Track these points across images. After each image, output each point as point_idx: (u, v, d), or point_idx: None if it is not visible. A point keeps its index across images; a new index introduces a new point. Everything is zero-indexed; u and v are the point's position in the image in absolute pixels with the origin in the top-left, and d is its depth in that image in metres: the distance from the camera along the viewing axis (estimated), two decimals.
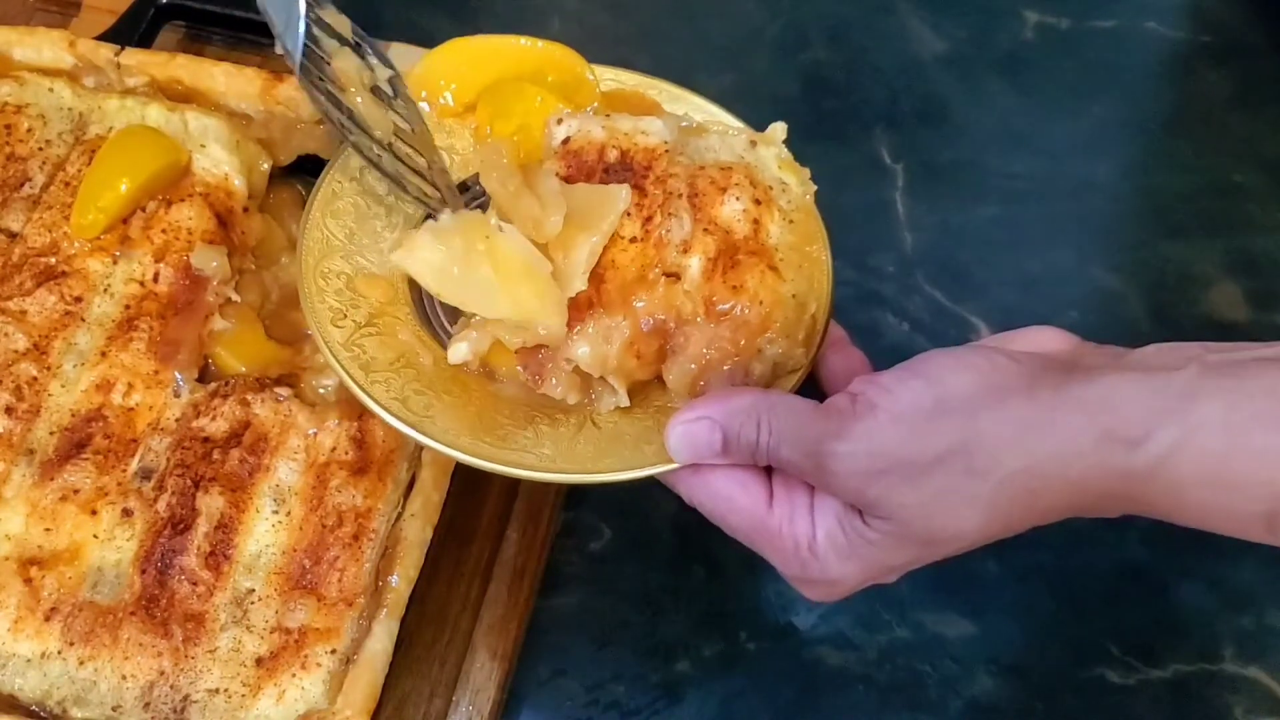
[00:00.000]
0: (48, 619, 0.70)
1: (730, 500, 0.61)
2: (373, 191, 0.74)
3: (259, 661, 0.69)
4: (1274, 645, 0.77)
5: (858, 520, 0.58)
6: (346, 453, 0.73)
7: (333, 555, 0.71)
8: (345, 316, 0.69)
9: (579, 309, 0.65)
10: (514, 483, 0.78)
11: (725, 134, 0.71)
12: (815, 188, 0.70)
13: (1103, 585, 0.78)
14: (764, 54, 1.00)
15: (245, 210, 0.82)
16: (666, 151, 0.68)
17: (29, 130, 0.82)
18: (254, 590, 0.71)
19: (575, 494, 0.81)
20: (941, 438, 0.55)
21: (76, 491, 0.73)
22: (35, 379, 0.75)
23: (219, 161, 0.82)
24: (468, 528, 0.77)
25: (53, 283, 0.78)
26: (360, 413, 0.75)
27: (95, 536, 0.72)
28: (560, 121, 0.69)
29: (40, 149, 0.82)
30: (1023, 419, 0.55)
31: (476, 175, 0.72)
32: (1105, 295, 0.89)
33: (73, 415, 0.75)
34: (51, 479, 0.73)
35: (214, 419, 0.74)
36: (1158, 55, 1.01)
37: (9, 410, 0.74)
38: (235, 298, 0.80)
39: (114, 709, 0.69)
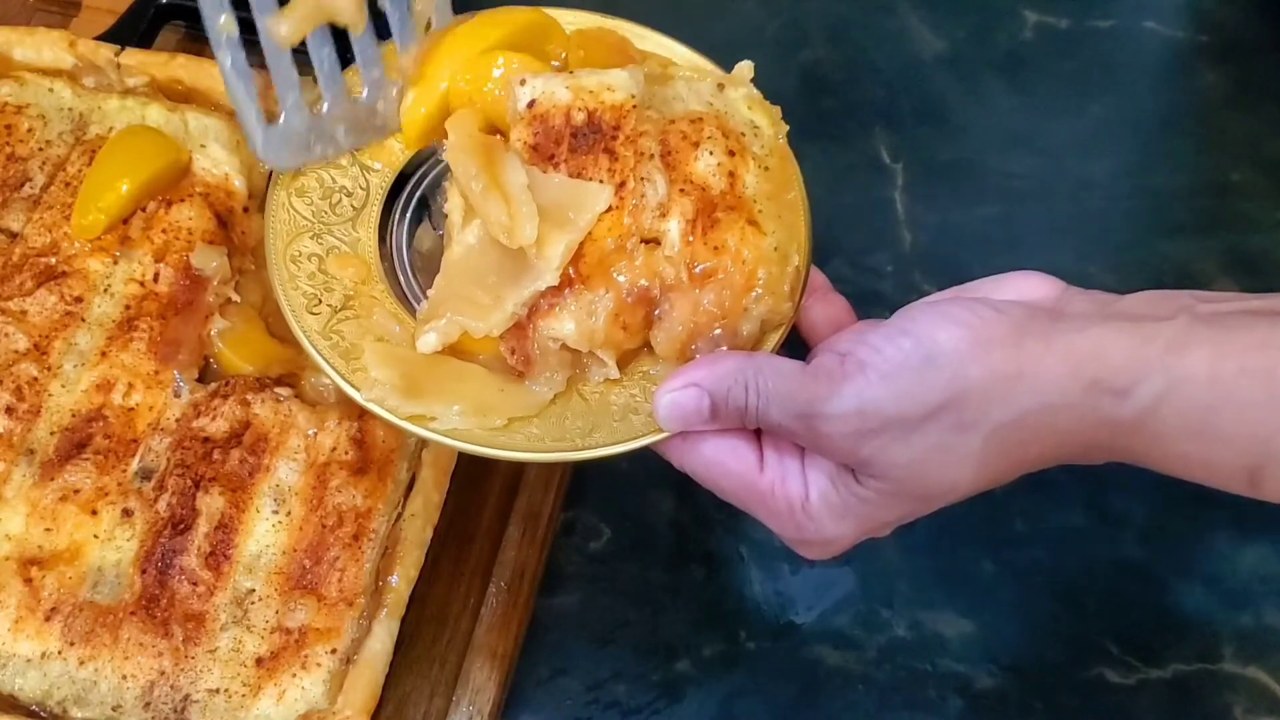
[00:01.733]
0: (48, 619, 0.70)
1: (722, 465, 0.61)
2: (336, 163, 0.71)
3: (259, 661, 0.69)
4: (1273, 645, 0.77)
5: (851, 479, 0.58)
6: (347, 453, 0.73)
7: (333, 555, 0.71)
8: (320, 302, 0.66)
9: (560, 284, 0.63)
10: (514, 482, 0.78)
11: (692, 80, 0.69)
12: (787, 127, 0.68)
13: (1102, 585, 0.79)
14: (763, 53, 1.00)
15: (245, 210, 0.82)
16: (634, 107, 0.65)
17: (29, 130, 0.82)
18: (254, 590, 0.71)
19: (575, 493, 0.81)
20: (931, 394, 0.55)
21: (77, 491, 0.73)
22: (35, 379, 0.75)
23: (219, 161, 0.82)
24: (468, 528, 0.77)
25: (53, 283, 0.78)
26: (360, 412, 0.75)
27: (95, 536, 0.72)
28: (524, 83, 0.66)
29: (40, 149, 0.82)
30: (1011, 371, 0.54)
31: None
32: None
33: (73, 415, 0.75)
34: (52, 479, 0.73)
35: (214, 419, 0.74)
36: (1157, 55, 1.01)
37: (9, 410, 0.74)
38: (235, 298, 0.80)
39: (114, 709, 0.69)
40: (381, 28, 0.69)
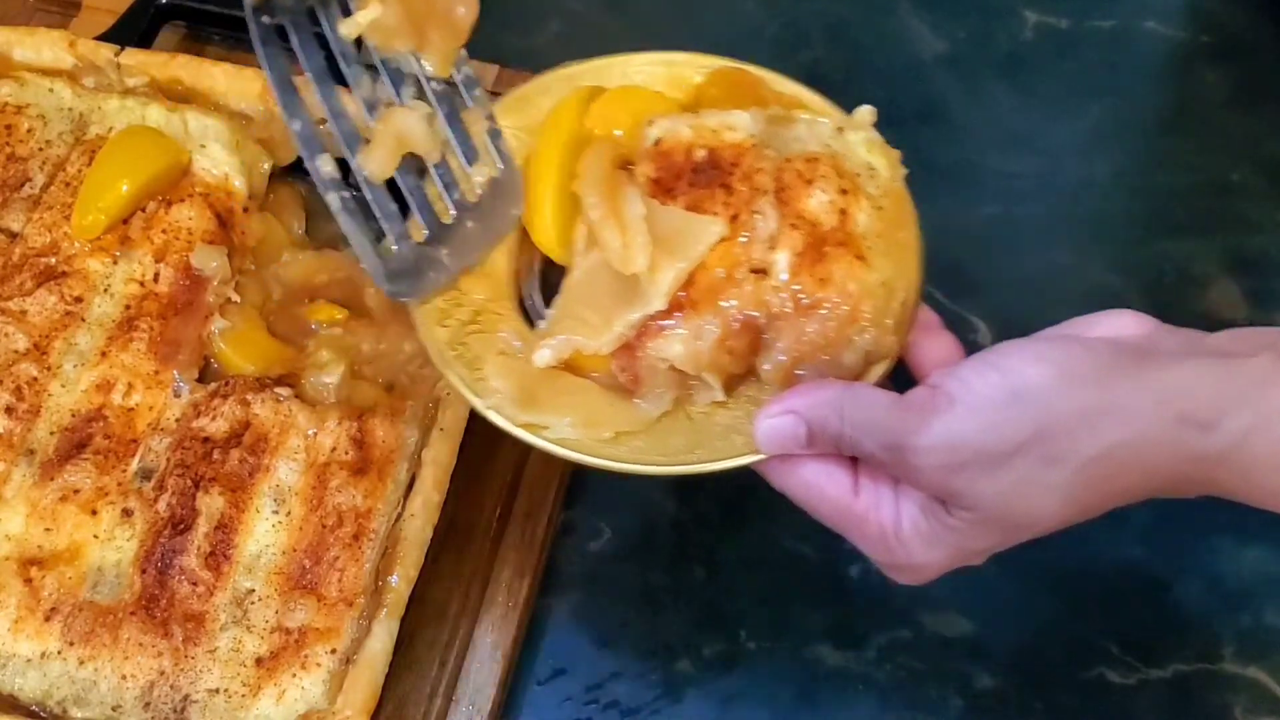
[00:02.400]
0: (48, 619, 0.70)
1: (818, 489, 0.62)
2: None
3: (259, 661, 0.69)
4: (1274, 645, 0.77)
5: (941, 510, 0.59)
6: (346, 453, 0.73)
7: (333, 555, 0.71)
8: (450, 316, 0.69)
9: (671, 308, 0.66)
10: (514, 483, 0.78)
11: (813, 122, 0.71)
12: (906, 171, 0.70)
13: (1103, 585, 0.78)
14: (763, 53, 1.00)
15: (245, 210, 0.82)
16: (753, 146, 0.68)
17: (29, 130, 0.82)
18: (254, 590, 0.71)
19: (575, 493, 0.81)
20: (1018, 428, 0.56)
21: (77, 491, 0.73)
22: (35, 379, 0.75)
23: (219, 162, 0.82)
24: (468, 528, 0.77)
25: (53, 283, 0.78)
26: (360, 413, 0.75)
27: (95, 536, 0.72)
28: (652, 123, 0.70)
29: (40, 149, 0.82)
30: (1098, 407, 0.55)
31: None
32: (1104, 294, 0.89)
33: (73, 415, 0.75)
34: (52, 479, 0.73)
35: (214, 419, 0.74)
36: (1157, 55, 1.01)
37: (9, 410, 0.74)
38: (235, 298, 0.80)
39: (114, 709, 0.69)
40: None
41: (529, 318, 0.70)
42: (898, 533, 0.61)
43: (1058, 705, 0.75)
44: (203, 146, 0.82)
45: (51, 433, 0.74)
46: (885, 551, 0.62)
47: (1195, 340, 0.59)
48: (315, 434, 0.74)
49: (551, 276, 0.71)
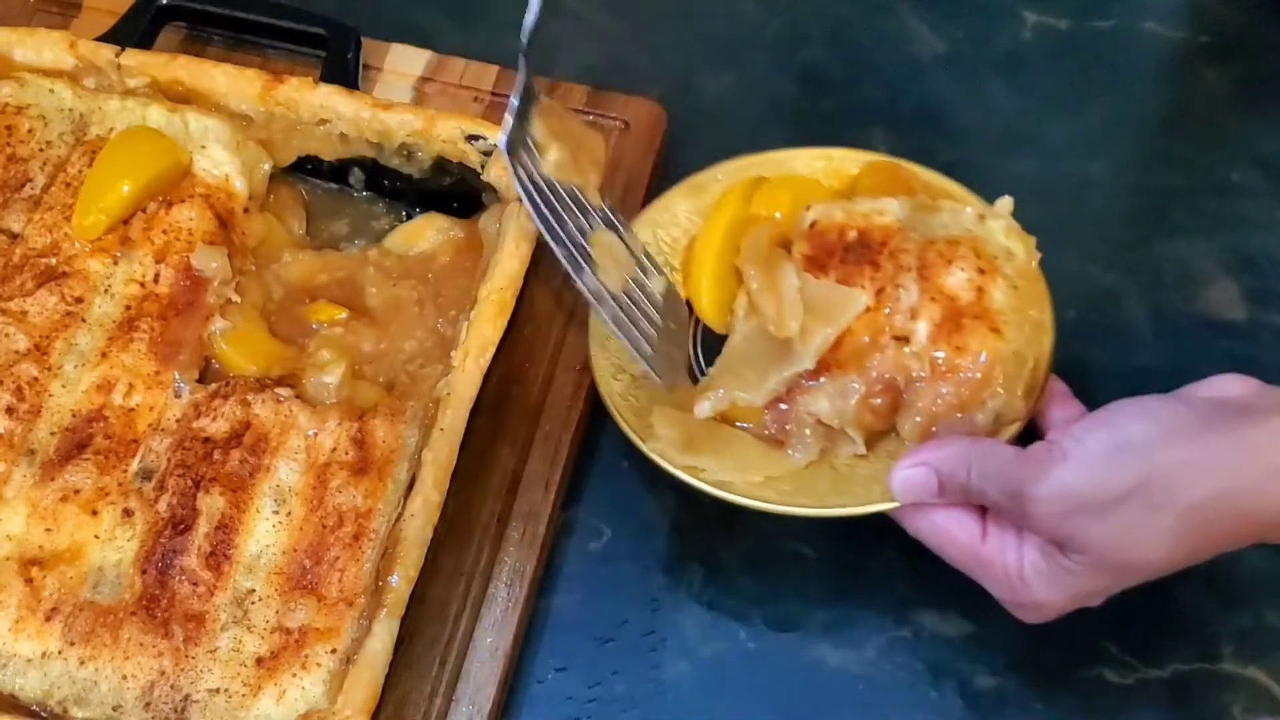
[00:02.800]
0: (48, 619, 0.70)
1: (949, 534, 0.69)
2: (659, 250, 0.83)
3: (259, 661, 0.69)
4: (1273, 645, 0.77)
5: (1058, 553, 0.65)
6: (347, 453, 0.74)
7: (333, 555, 0.71)
8: (623, 370, 0.78)
9: (819, 368, 0.75)
10: (514, 483, 0.78)
11: (957, 210, 0.79)
12: (1040, 255, 0.77)
13: None
14: (763, 53, 1.00)
15: (246, 211, 0.82)
16: (900, 229, 0.77)
17: (30, 131, 0.82)
18: (254, 590, 0.71)
19: (575, 493, 0.81)
20: (1123, 478, 0.62)
21: (77, 492, 0.73)
22: (36, 379, 0.75)
23: (219, 162, 0.82)
24: (468, 528, 0.77)
25: (53, 283, 0.78)
26: (360, 413, 0.75)
27: (96, 537, 0.72)
28: (809, 208, 0.79)
29: (41, 150, 0.82)
30: (1194, 459, 0.62)
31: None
32: (1104, 294, 0.89)
33: (73, 415, 0.75)
34: (52, 479, 0.73)
35: (214, 419, 0.74)
36: (1157, 55, 1.00)
37: (10, 411, 0.74)
38: (236, 299, 0.80)
39: (115, 709, 0.69)
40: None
41: (692, 376, 0.80)
42: (1021, 574, 0.67)
43: (1057, 705, 0.75)
44: (203, 147, 0.82)
45: (52, 433, 0.75)
46: (1010, 591, 0.68)
47: None
48: (316, 434, 0.74)
49: (709, 340, 0.81)
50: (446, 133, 0.84)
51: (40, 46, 0.86)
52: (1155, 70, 1.00)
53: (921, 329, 0.74)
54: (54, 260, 0.79)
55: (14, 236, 0.80)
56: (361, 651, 0.69)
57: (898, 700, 0.76)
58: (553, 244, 0.75)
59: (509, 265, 0.80)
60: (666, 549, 0.80)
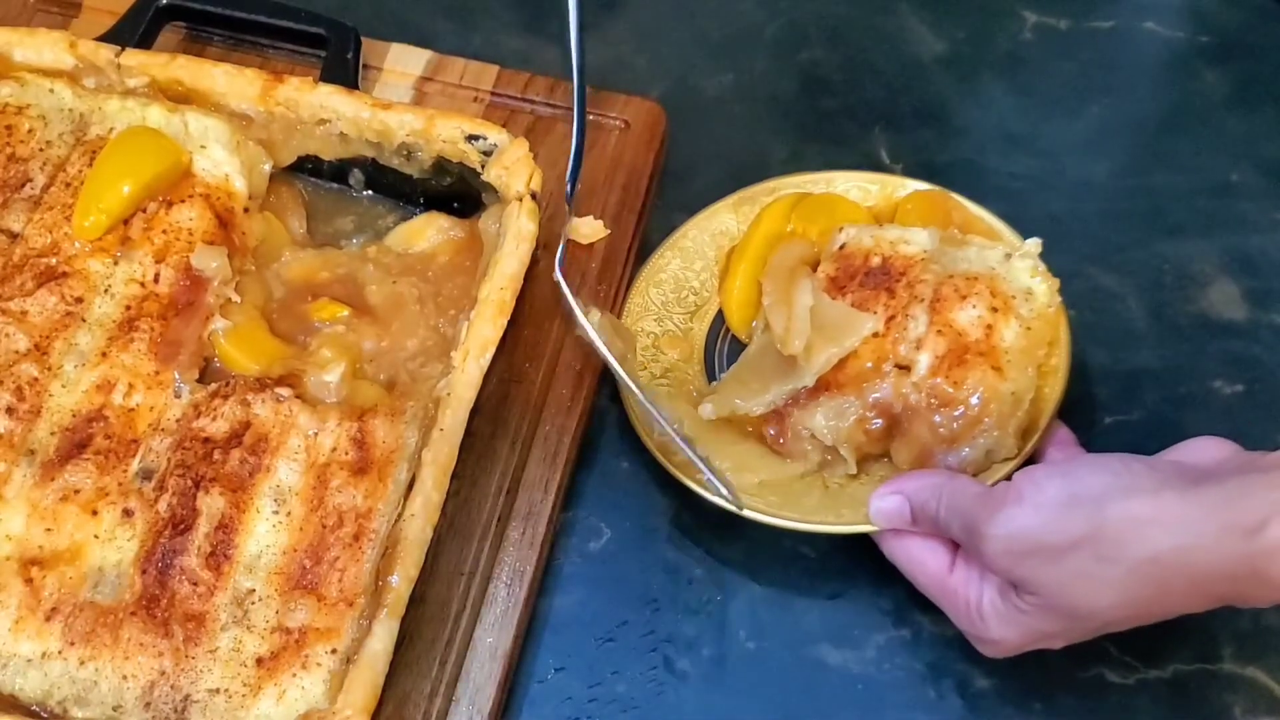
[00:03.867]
0: (48, 619, 0.70)
1: (920, 562, 0.72)
2: (692, 267, 0.87)
3: (259, 661, 0.69)
4: (1273, 645, 0.77)
5: (1012, 593, 0.67)
6: (347, 453, 0.74)
7: (333, 555, 0.71)
8: (644, 369, 0.83)
9: (820, 387, 0.77)
10: (514, 483, 0.78)
11: (985, 246, 0.81)
12: (1060, 300, 0.78)
13: None
14: (763, 53, 1.01)
15: (246, 211, 0.82)
16: (923, 260, 0.79)
17: (30, 131, 0.82)
18: (254, 590, 0.71)
19: (575, 493, 0.81)
20: (1074, 527, 0.64)
21: (77, 492, 0.73)
22: (36, 379, 0.75)
23: (219, 162, 0.82)
24: (468, 528, 0.77)
25: (53, 283, 0.78)
26: (360, 413, 0.75)
27: (96, 537, 0.72)
28: (841, 230, 0.82)
29: (41, 150, 0.82)
30: (1146, 515, 0.63)
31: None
32: (1104, 294, 0.89)
33: (73, 415, 0.75)
34: (52, 479, 0.73)
35: (214, 419, 0.74)
36: (1156, 55, 1.00)
37: (10, 411, 0.74)
38: (236, 298, 0.80)
39: (115, 709, 0.69)
40: None
41: (710, 377, 0.84)
42: (980, 609, 0.69)
43: (1057, 705, 0.75)
44: (203, 147, 0.82)
45: (52, 433, 0.75)
46: (970, 624, 0.70)
47: (1257, 459, 0.65)
48: (316, 434, 0.74)
49: (735, 347, 0.84)
50: (446, 133, 0.84)
51: (40, 46, 0.86)
52: (1155, 70, 1.00)
53: (924, 359, 0.76)
54: (54, 260, 0.79)
55: (14, 236, 0.80)
56: (361, 651, 0.69)
57: (897, 700, 0.76)
58: (607, 354, 0.78)
59: (509, 265, 0.80)
60: (666, 549, 0.80)
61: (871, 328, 0.77)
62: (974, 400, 0.75)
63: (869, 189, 0.87)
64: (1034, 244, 0.80)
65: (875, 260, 0.79)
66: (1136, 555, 0.62)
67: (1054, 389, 0.77)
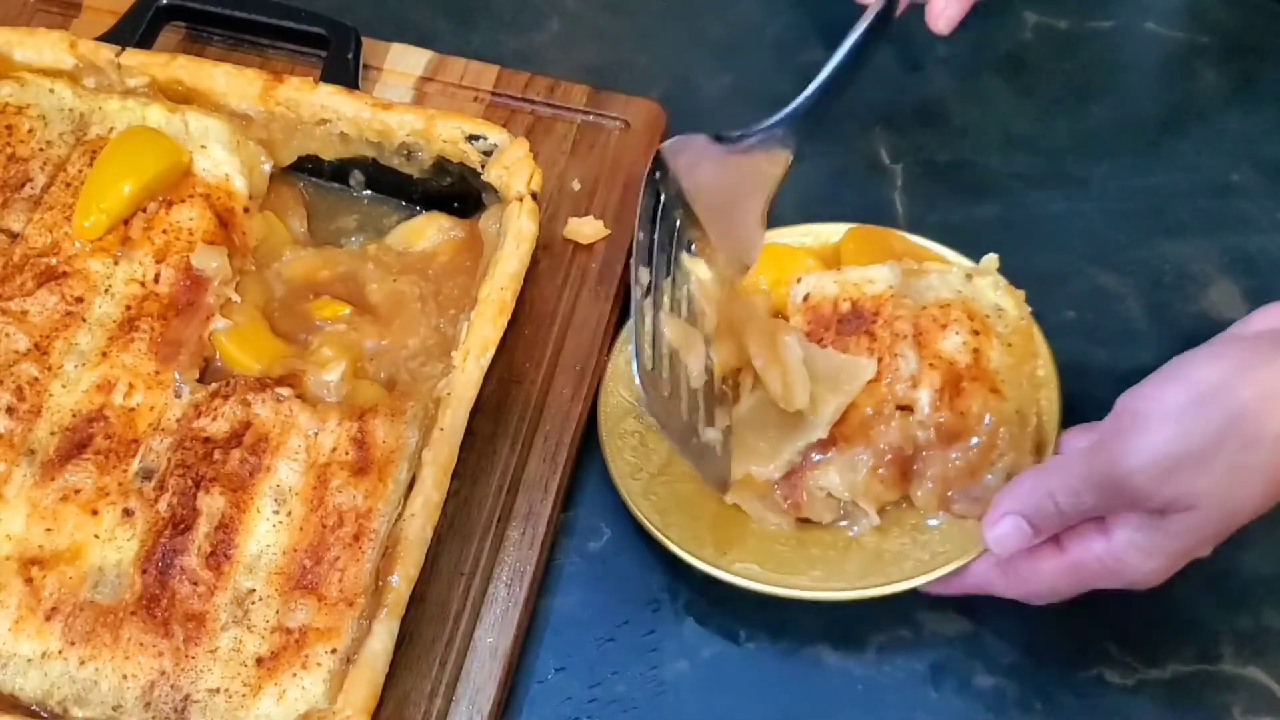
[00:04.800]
0: (49, 619, 0.70)
1: (1034, 571, 0.69)
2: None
3: (260, 661, 0.69)
4: (1273, 645, 0.77)
5: (1160, 520, 0.65)
6: (347, 453, 0.74)
7: (333, 555, 0.71)
8: (641, 470, 0.79)
9: (826, 442, 0.75)
10: (515, 483, 0.78)
11: (944, 271, 0.80)
12: (1030, 309, 0.78)
13: None
14: (763, 54, 1.01)
15: (246, 211, 0.82)
16: (892, 296, 0.77)
17: (30, 131, 0.82)
18: (255, 590, 0.71)
19: (575, 493, 0.81)
20: (1212, 423, 0.62)
21: (77, 491, 0.73)
22: (36, 379, 0.75)
23: (220, 162, 0.82)
24: (468, 528, 0.77)
25: (54, 283, 0.78)
26: (361, 413, 0.75)
27: (96, 536, 0.72)
28: (800, 280, 0.80)
29: (41, 149, 0.82)
30: (1276, 387, 0.61)
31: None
32: (1104, 294, 0.89)
33: (74, 415, 0.75)
34: (52, 479, 0.73)
35: (215, 419, 0.75)
36: (1157, 55, 1.00)
37: (10, 410, 0.74)
38: (236, 298, 0.80)
39: (115, 709, 0.69)
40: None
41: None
42: (1117, 559, 0.67)
43: (1057, 705, 0.75)
44: (203, 147, 0.82)
45: (52, 433, 0.75)
46: (1114, 576, 0.68)
47: None
48: (316, 434, 0.74)
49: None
50: (447, 133, 0.84)
51: (40, 46, 0.86)
52: (1155, 71, 1.00)
53: (924, 396, 0.75)
54: (54, 260, 0.79)
55: (14, 236, 0.80)
56: (362, 651, 0.69)
57: (898, 700, 0.76)
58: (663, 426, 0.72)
59: (509, 266, 0.80)
60: (667, 549, 0.80)
61: (872, 371, 0.76)
62: (985, 426, 0.74)
63: (802, 240, 0.85)
64: (990, 260, 0.80)
65: (844, 305, 0.78)
66: (1277, 429, 0.61)
67: (1052, 398, 0.76)
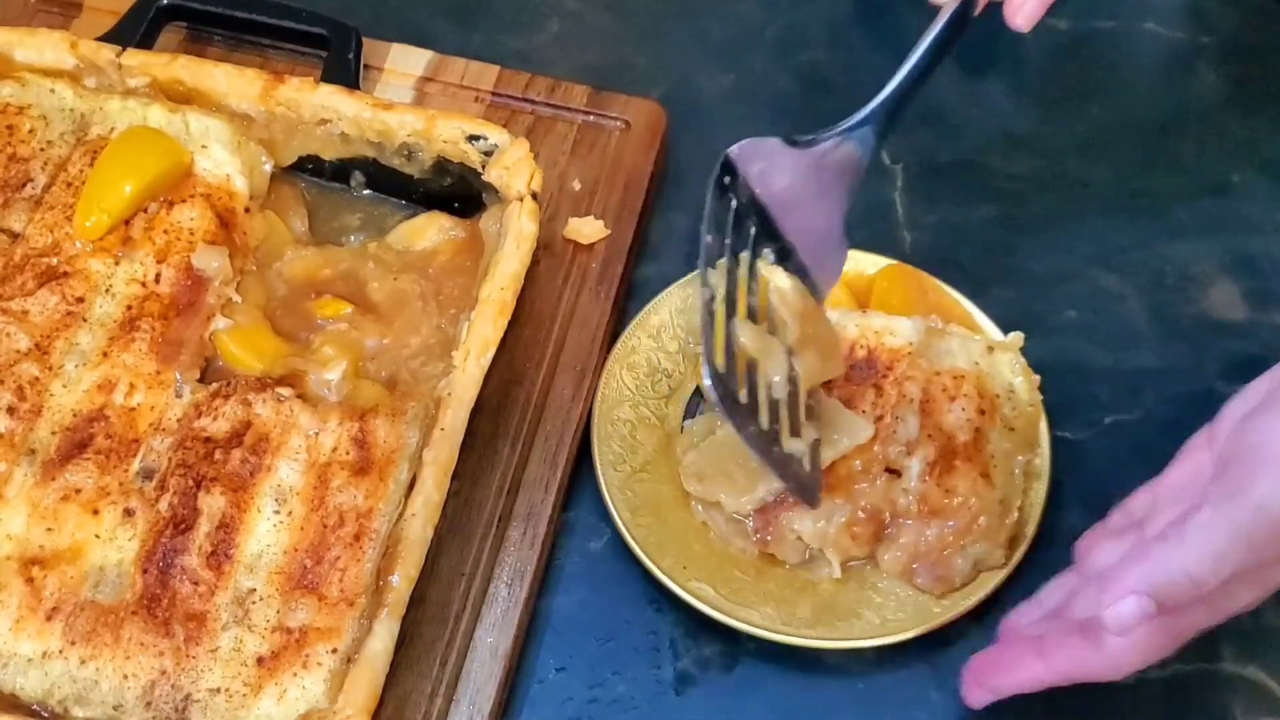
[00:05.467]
0: (49, 618, 0.70)
1: (1138, 639, 0.65)
2: (666, 349, 0.83)
3: (260, 661, 0.69)
4: (1273, 645, 0.77)
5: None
6: (348, 453, 0.74)
7: (334, 555, 0.71)
8: (624, 462, 0.79)
9: None
10: (515, 483, 0.78)
11: (967, 339, 0.79)
12: (1041, 397, 0.78)
13: None
14: (763, 54, 1.01)
15: (247, 211, 0.82)
16: (910, 353, 0.77)
17: (31, 131, 0.82)
18: (255, 590, 0.71)
19: (575, 493, 0.81)
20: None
21: (78, 491, 0.73)
22: (37, 379, 0.75)
23: (220, 162, 0.82)
24: (468, 528, 0.77)
25: (54, 283, 0.78)
26: (361, 413, 0.75)
27: (97, 536, 0.73)
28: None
29: (42, 149, 0.82)
30: None
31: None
32: (1104, 295, 0.89)
33: (74, 415, 0.75)
34: (53, 479, 0.73)
35: (215, 419, 0.75)
36: (1157, 56, 1.01)
37: (11, 410, 0.74)
38: (237, 298, 0.80)
39: (115, 708, 0.69)
40: None
41: (688, 413, 0.81)
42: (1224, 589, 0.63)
43: (1057, 705, 0.75)
44: (204, 147, 0.82)
45: (53, 432, 0.75)
46: (1221, 613, 0.65)
47: None
48: (317, 434, 0.74)
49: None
50: (447, 133, 0.84)
51: (41, 46, 0.86)
52: (1155, 71, 1.00)
53: (915, 466, 0.75)
54: (55, 260, 0.79)
55: (15, 236, 0.80)
56: (362, 651, 0.69)
57: (898, 700, 0.76)
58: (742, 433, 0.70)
59: (509, 266, 0.80)
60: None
61: (868, 434, 0.75)
62: (966, 509, 0.73)
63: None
64: (1015, 338, 0.79)
65: (861, 352, 0.77)
66: None
67: (1041, 492, 0.76)
